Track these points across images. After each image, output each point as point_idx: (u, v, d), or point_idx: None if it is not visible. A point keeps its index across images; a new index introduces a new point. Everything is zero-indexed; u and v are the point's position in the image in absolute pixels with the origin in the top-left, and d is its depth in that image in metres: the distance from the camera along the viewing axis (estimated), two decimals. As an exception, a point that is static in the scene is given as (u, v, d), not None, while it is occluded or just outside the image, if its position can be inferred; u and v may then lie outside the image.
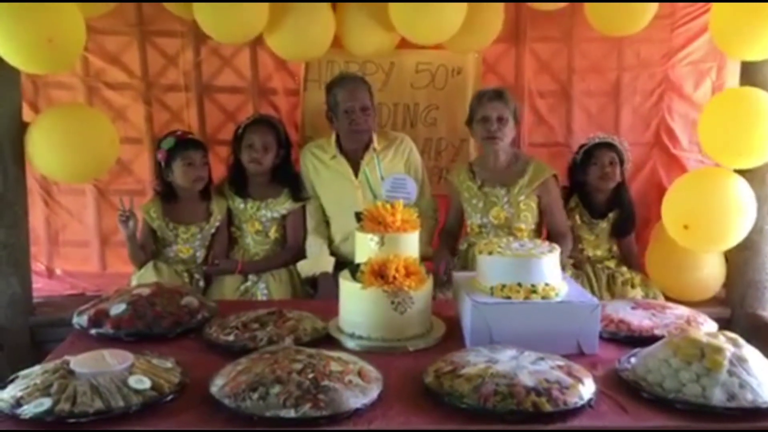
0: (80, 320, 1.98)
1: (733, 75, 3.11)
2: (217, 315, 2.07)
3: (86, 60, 3.18)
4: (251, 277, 2.84)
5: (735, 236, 2.70)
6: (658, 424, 1.46)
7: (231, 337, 1.85)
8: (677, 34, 3.23)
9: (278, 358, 1.55)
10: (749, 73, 2.82)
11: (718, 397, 1.46)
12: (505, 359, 1.56)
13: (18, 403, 1.43)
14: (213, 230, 2.87)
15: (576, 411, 1.45)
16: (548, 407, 1.42)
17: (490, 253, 1.90)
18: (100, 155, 2.78)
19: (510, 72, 3.36)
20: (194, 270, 2.83)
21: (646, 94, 3.31)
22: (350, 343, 1.85)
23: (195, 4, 2.70)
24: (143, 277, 2.68)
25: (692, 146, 3.29)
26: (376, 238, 1.88)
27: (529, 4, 2.95)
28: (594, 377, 1.59)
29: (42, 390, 1.45)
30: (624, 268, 2.94)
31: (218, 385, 1.51)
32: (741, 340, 1.60)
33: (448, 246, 2.89)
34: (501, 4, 3.04)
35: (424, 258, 2.11)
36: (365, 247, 1.91)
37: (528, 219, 2.80)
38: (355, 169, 2.90)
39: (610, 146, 2.92)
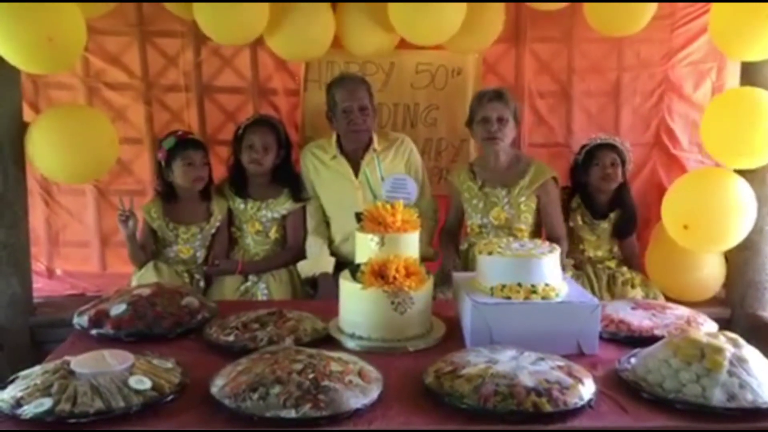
0: (80, 320, 1.98)
1: (733, 75, 3.11)
2: (218, 315, 2.07)
3: (86, 60, 3.18)
4: (251, 277, 2.84)
5: (735, 236, 2.70)
6: (658, 424, 1.46)
7: (231, 338, 1.85)
8: (677, 35, 3.23)
9: (278, 359, 1.55)
10: (749, 74, 2.82)
11: (718, 397, 1.46)
12: (506, 359, 1.56)
13: (18, 403, 1.43)
14: (213, 230, 2.87)
15: (576, 411, 1.45)
16: (548, 407, 1.42)
17: (490, 253, 1.90)
18: (100, 155, 2.79)
19: (510, 72, 3.36)
20: (194, 270, 2.84)
21: (646, 94, 3.31)
22: (350, 344, 1.85)
23: (195, 6, 2.71)
24: (143, 278, 2.68)
25: (692, 146, 3.29)
26: (376, 239, 1.88)
27: (529, 4, 2.95)
28: (594, 377, 1.59)
29: (42, 390, 1.45)
30: (624, 269, 2.94)
31: (218, 386, 1.51)
32: (741, 341, 1.60)
33: (452, 245, 2.90)
34: (502, 5, 3.04)
35: (424, 258, 2.11)
36: (365, 248, 1.91)
37: (528, 220, 2.80)
38: (356, 169, 2.90)
39: (611, 147, 2.92)
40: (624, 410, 1.51)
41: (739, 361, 1.52)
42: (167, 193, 2.85)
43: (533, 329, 1.76)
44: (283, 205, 2.92)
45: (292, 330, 1.88)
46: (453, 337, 1.92)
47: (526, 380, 1.47)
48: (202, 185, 2.84)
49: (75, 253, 3.38)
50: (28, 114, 2.89)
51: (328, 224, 3.00)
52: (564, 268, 2.26)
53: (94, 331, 1.93)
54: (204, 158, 2.83)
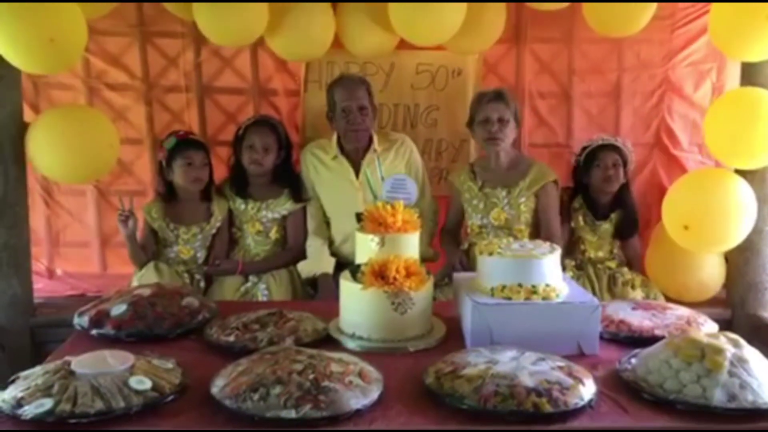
0: (81, 321, 1.98)
1: (733, 76, 3.12)
2: (218, 316, 2.07)
3: (87, 61, 3.19)
4: (252, 277, 2.84)
5: (735, 237, 2.70)
6: (658, 424, 1.46)
7: (231, 338, 1.85)
8: (677, 35, 3.24)
9: (279, 359, 1.55)
10: (750, 74, 2.82)
11: (718, 397, 1.46)
12: (506, 360, 1.56)
13: (19, 403, 1.43)
14: (214, 231, 2.87)
15: (576, 412, 1.45)
16: (549, 408, 1.42)
17: (491, 253, 1.89)
18: (100, 156, 2.78)
19: (510, 73, 3.36)
20: (195, 270, 2.84)
21: (646, 95, 3.32)
22: (351, 344, 1.85)
23: (195, 8, 2.71)
24: (144, 278, 2.68)
25: (692, 147, 3.30)
26: (376, 239, 1.88)
27: (530, 4, 2.95)
28: (594, 378, 1.58)
29: (43, 391, 1.45)
30: (625, 269, 2.94)
31: (219, 386, 1.51)
32: (741, 341, 1.60)
33: (454, 242, 2.92)
34: (503, 5, 3.04)
35: (424, 259, 2.11)
36: (366, 248, 1.91)
37: (528, 220, 2.80)
38: (356, 169, 2.90)
39: (612, 148, 2.92)
40: (624, 411, 1.50)
41: (740, 361, 1.52)
42: (168, 194, 2.86)
43: (534, 330, 1.76)
44: (284, 206, 2.93)
45: (293, 330, 1.88)
46: (453, 337, 1.91)
47: (527, 381, 1.47)
48: (201, 186, 2.84)
49: (75, 253, 3.38)
50: (28, 114, 2.89)
51: (328, 225, 3.00)
52: (564, 268, 2.26)
53: (94, 332, 1.93)
54: (204, 159, 2.83)
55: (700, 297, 2.92)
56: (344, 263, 2.76)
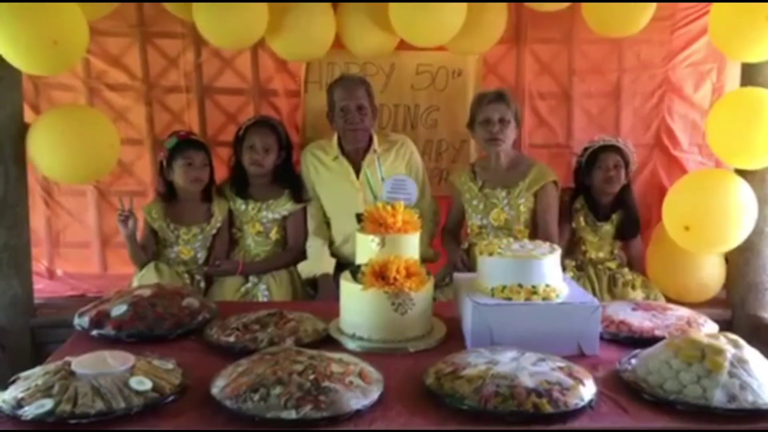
0: (81, 321, 1.98)
1: (733, 77, 3.12)
2: (218, 316, 2.07)
3: (87, 61, 3.19)
4: (252, 278, 2.84)
5: (736, 238, 2.70)
6: (658, 425, 1.46)
7: (232, 339, 1.85)
8: (677, 36, 3.24)
9: (279, 360, 1.55)
10: (750, 75, 2.82)
11: (718, 398, 1.46)
12: (506, 360, 1.56)
13: (19, 404, 1.43)
14: (214, 231, 2.87)
15: (577, 412, 1.45)
16: (549, 408, 1.42)
17: (491, 254, 1.90)
18: (101, 156, 2.79)
19: (510, 73, 3.36)
20: (195, 271, 2.84)
21: (646, 95, 3.32)
22: (351, 345, 1.85)
23: (194, 10, 2.71)
24: (144, 278, 2.68)
25: (692, 147, 3.30)
26: (376, 239, 1.88)
27: (530, 5, 2.95)
28: (595, 378, 1.58)
29: (43, 391, 1.45)
30: (625, 270, 2.94)
31: (219, 387, 1.51)
32: (741, 342, 1.60)
33: (455, 241, 2.93)
34: (504, 6, 3.04)
35: (424, 259, 2.11)
36: (366, 249, 1.91)
37: (528, 221, 2.80)
38: (356, 170, 2.90)
39: (614, 149, 2.90)
40: (625, 411, 1.50)
41: (740, 362, 1.52)
42: (168, 194, 2.86)
43: (534, 330, 1.76)
44: (284, 206, 2.93)
45: (293, 331, 1.88)
46: (453, 338, 1.92)
47: (527, 381, 1.47)
48: (201, 186, 2.84)
49: (76, 254, 3.39)
50: (29, 115, 2.90)
51: (328, 225, 3.00)
52: (565, 268, 2.26)
53: (94, 332, 1.93)
54: (204, 159, 2.83)
55: (700, 297, 2.93)
56: (344, 264, 2.76)
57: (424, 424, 1.46)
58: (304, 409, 1.40)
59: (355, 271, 1.91)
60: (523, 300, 1.81)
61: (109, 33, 3.17)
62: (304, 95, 3.33)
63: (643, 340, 1.85)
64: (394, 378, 1.62)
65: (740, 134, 2.62)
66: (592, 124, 3.34)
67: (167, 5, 2.88)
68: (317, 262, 2.88)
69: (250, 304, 2.51)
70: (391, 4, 2.75)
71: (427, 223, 2.83)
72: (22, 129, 2.73)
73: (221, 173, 3.03)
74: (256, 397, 1.42)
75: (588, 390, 1.50)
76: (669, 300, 2.73)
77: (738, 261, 2.92)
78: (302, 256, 2.93)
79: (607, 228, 2.96)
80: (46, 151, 2.68)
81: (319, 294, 2.81)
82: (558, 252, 1.92)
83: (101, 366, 1.53)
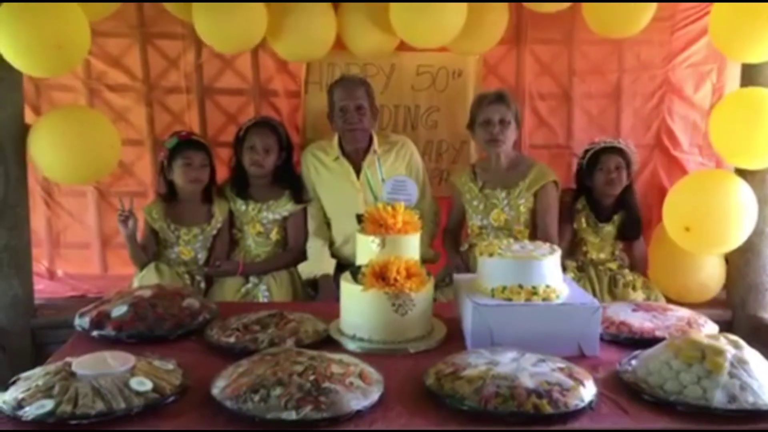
0: (82, 322, 1.98)
1: (733, 77, 3.11)
2: (218, 317, 2.07)
3: (88, 62, 3.19)
4: (252, 278, 2.84)
5: (736, 239, 2.70)
6: (659, 426, 1.46)
7: (232, 339, 1.85)
8: (677, 37, 3.24)
9: (279, 360, 1.55)
10: (750, 75, 2.82)
11: (719, 399, 1.46)
12: (506, 361, 1.56)
13: (20, 404, 1.43)
14: (214, 232, 2.87)
15: (577, 413, 1.45)
16: (549, 409, 1.42)
17: (491, 254, 1.90)
18: (101, 157, 2.79)
19: (511, 74, 3.36)
20: (195, 272, 2.84)
21: (646, 96, 3.31)
22: (351, 345, 1.85)
23: (194, 13, 2.71)
24: (145, 279, 2.68)
25: (693, 148, 3.30)
26: (377, 240, 1.88)
27: (530, 5, 2.95)
28: (595, 379, 1.58)
29: (44, 392, 1.45)
30: (626, 271, 2.93)
31: (219, 387, 1.51)
32: (742, 342, 1.60)
33: (454, 244, 2.92)
34: (505, 7, 3.04)
35: (424, 260, 2.11)
36: (366, 249, 1.91)
37: (528, 221, 2.80)
38: (357, 171, 2.90)
39: (615, 151, 2.89)
40: (625, 412, 1.50)
41: (740, 362, 1.52)
42: (169, 194, 2.86)
43: (534, 331, 1.76)
44: (284, 207, 2.93)
45: (293, 332, 1.88)
46: (454, 338, 1.91)
47: (527, 382, 1.47)
48: (200, 186, 2.84)
49: (76, 254, 3.39)
50: (29, 116, 2.90)
51: (329, 226, 3.00)
52: (565, 269, 2.26)
53: (95, 333, 1.93)
54: (204, 160, 2.83)
55: (700, 298, 2.93)
56: (345, 264, 2.77)
57: (424, 425, 1.46)
58: (305, 409, 1.40)
59: (356, 272, 1.91)
60: (523, 301, 1.81)
61: (110, 34, 3.17)
62: (304, 96, 3.33)
63: (643, 341, 1.85)
64: (394, 379, 1.62)
65: (744, 134, 2.62)
66: (592, 125, 3.34)
67: (167, 6, 2.89)
68: (317, 262, 2.89)
69: (250, 305, 2.51)
70: (392, 5, 2.75)
71: (427, 223, 2.83)
72: (23, 130, 2.73)
73: (222, 174, 3.03)
74: (257, 397, 1.43)
75: (588, 391, 1.51)
76: (669, 300, 2.73)
77: (738, 262, 2.92)
78: (302, 256, 2.93)
79: (609, 229, 2.96)
80: (47, 151, 2.69)
81: (320, 295, 2.81)
82: (558, 253, 1.92)
83: (102, 367, 1.53)
